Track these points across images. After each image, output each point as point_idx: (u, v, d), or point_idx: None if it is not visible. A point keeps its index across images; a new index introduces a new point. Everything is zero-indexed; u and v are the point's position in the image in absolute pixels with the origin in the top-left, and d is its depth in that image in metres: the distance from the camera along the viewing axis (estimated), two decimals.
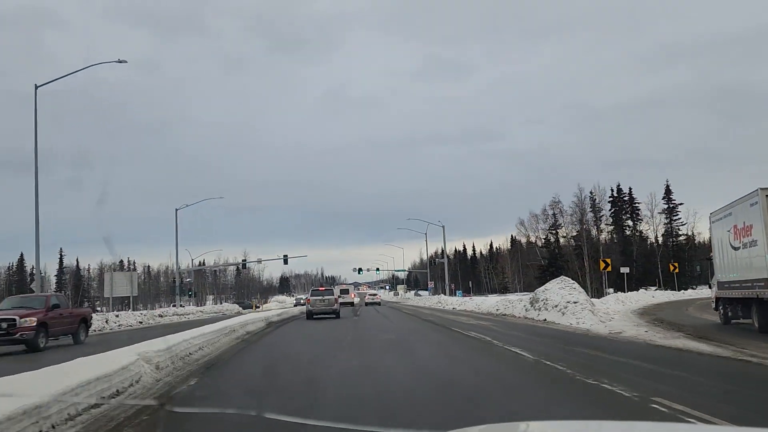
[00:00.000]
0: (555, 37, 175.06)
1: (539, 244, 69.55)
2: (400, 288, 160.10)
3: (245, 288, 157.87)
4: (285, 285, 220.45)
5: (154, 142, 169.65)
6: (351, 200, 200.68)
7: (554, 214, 68.23)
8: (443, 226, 69.03)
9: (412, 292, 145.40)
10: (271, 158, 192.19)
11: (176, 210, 59.63)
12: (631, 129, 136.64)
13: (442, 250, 69.18)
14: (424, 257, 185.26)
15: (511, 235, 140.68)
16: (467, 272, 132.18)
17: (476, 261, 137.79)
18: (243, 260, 63.21)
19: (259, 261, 63.12)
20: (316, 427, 4.91)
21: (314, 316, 27.54)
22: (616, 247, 65.12)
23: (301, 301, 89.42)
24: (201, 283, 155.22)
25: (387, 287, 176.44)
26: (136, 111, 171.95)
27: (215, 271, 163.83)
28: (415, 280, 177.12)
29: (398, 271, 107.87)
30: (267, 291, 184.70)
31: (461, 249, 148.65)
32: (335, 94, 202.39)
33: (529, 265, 78.17)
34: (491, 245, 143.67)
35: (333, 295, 29.22)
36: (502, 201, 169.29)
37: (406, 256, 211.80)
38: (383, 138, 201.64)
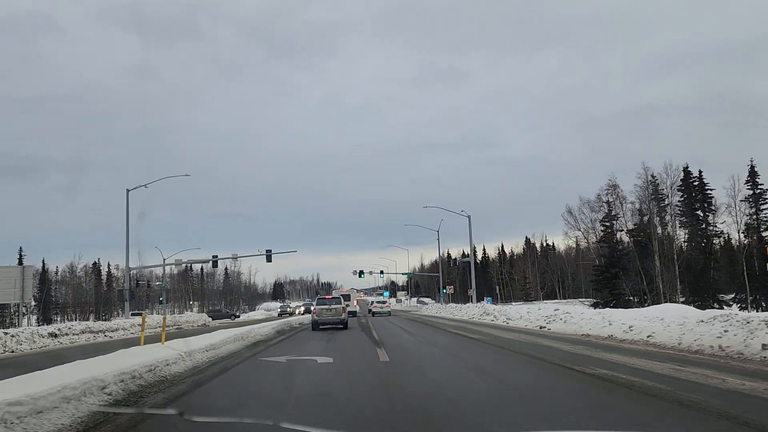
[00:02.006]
0: (553, 45, 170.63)
1: (593, 239, 53.50)
2: (401, 294, 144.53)
3: (234, 294, 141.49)
4: (279, 291, 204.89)
5: (151, 149, 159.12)
6: (348, 207, 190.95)
7: (608, 202, 52.26)
8: (469, 216, 53.28)
9: (414, 299, 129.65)
10: (267, 165, 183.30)
11: (127, 191, 44.68)
12: (628, 137, 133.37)
13: (469, 248, 53.32)
14: (426, 263, 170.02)
15: (526, 237, 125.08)
16: (477, 278, 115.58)
17: (487, 266, 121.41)
18: (214, 256, 47.13)
19: (235, 257, 47.23)
20: None
21: (320, 327, 24.55)
22: (693, 243, 49.29)
23: (287, 310, 70.51)
24: (185, 289, 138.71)
25: (385, 294, 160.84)
26: (132, 117, 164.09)
27: (202, 276, 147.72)
28: (416, 287, 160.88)
29: (405, 274, 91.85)
30: (260, 297, 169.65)
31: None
32: (332, 101, 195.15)
33: (579, 265, 61.99)
34: (502, 248, 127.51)
35: (341, 303, 25.34)
36: (504, 208, 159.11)
37: (403, 263, 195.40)
38: (380, 145, 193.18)
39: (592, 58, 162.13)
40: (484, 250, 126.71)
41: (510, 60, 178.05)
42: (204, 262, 47.27)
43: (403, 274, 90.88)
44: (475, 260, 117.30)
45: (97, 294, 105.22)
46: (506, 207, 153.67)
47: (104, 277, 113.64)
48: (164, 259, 68.33)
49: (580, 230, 53.21)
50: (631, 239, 50.81)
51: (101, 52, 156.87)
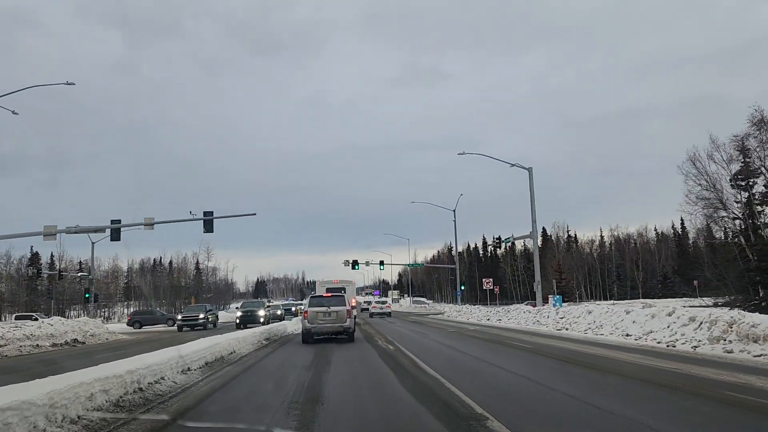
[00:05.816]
0: (537, 48, 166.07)
1: (733, 203, 32.74)
2: (394, 293, 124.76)
3: (211, 292, 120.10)
4: (261, 289, 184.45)
5: (134, 145, 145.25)
6: (334, 205, 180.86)
7: (743, 150, 32.23)
8: (529, 169, 33.07)
9: (409, 299, 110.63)
10: (251, 163, 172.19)
11: None
12: (611, 139, 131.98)
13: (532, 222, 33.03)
14: (419, 260, 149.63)
15: (542, 228, 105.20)
16: (487, 275, 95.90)
17: (497, 261, 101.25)
18: (113, 221, 26.42)
19: (150, 223, 26.62)
20: None
21: (315, 338, 16.23)
22: None
23: (199, 318, 33.52)
24: (148, 283, 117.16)
25: (375, 293, 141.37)
26: (115, 113, 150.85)
27: (171, 271, 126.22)
28: (410, 286, 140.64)
29: (411, 265, 72.11)
30: (241, 296, 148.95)
31: (479, 245, 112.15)
32: (315, 99, 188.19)
33: (711, 245, 41.62)
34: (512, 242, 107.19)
35: (344, 305, 16.28)
36: (493, 208, 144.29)
37: (397, 259, 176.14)
38: (365, 144, 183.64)
39: (576, 60, 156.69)
40: (495, 238, 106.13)
41: (494, 61, 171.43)
42: (97, 230, 26.59)
43: (410, 265, 70.68)
44: (468, 257, 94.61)
45: (29, 289, 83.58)
46: (494, 206, 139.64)
47: (46, 268, 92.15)
48: (93, 245, 46.96)
49: (712, 190, 32.20)
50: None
51: (84, 49, 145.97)
